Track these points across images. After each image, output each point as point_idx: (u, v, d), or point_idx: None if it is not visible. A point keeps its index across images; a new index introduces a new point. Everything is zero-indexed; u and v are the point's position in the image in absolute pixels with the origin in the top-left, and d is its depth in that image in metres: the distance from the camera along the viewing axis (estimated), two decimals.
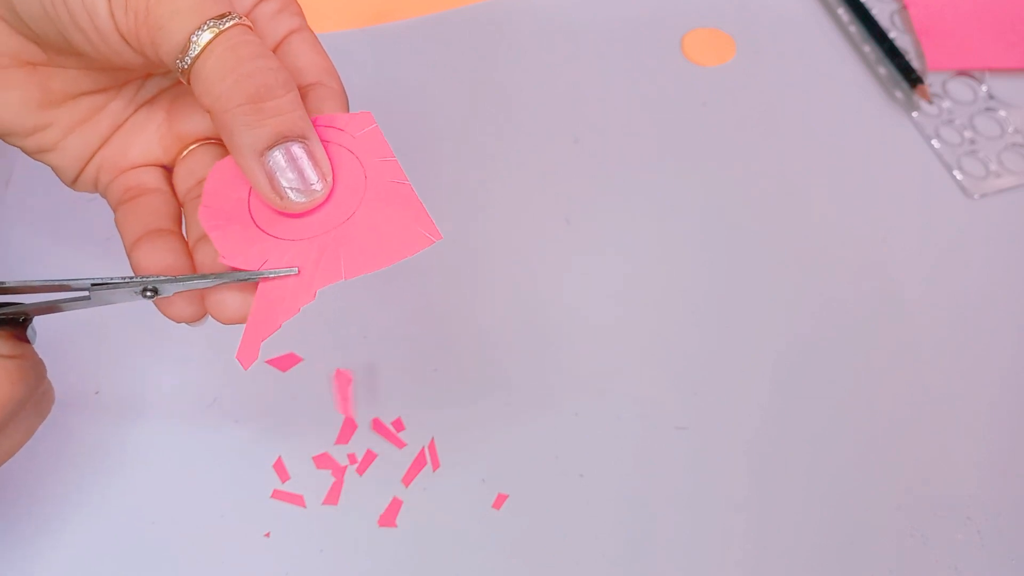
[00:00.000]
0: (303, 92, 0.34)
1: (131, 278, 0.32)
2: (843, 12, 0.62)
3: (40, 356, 0.34)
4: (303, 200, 0.31)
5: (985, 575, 0.44)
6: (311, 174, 0.31)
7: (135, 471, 0.44)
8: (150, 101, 0.36)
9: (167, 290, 0.32)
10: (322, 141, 0.32)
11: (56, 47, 0.33)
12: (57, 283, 0.32)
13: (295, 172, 0.31)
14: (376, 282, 0.50)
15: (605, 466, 0.45)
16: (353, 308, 0.49)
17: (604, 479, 0.45)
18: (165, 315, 0.33)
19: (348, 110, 0.35)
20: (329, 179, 0.32)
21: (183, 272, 0.33)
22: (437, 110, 0.56)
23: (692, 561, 0.43)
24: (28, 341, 0.34)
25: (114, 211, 0.35)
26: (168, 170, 0.36)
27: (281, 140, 0.31)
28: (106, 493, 0.43)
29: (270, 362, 0.47)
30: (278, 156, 0.31)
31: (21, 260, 0.49)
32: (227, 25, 0.30)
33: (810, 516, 0.45)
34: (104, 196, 0.36)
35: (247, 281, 0.32)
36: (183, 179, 0.36)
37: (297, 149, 0.31)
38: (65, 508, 0.42)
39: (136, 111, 0.36)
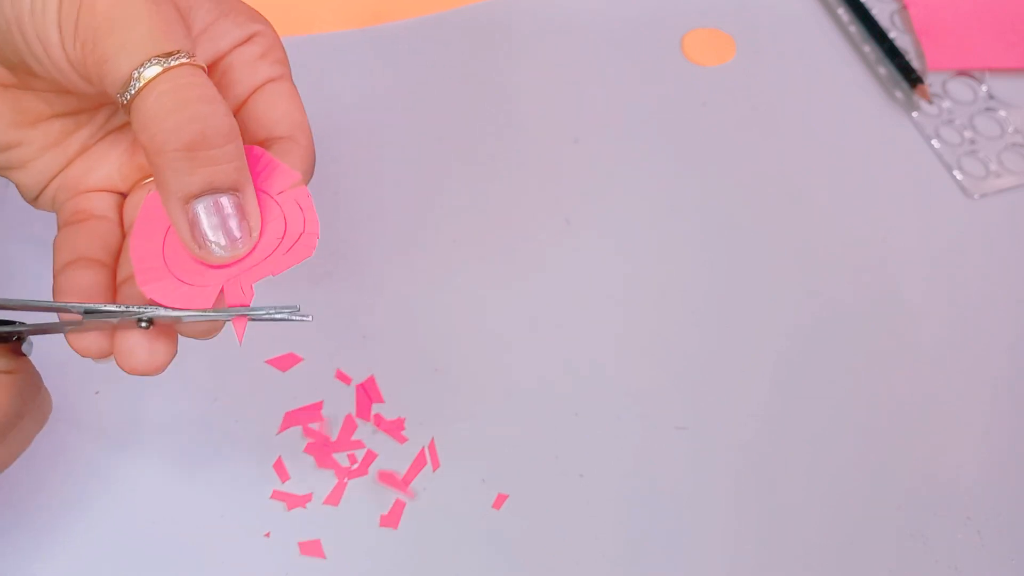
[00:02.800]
0: (267, 144, 0.34)
1: (127, 307, 0.31)
2: (843, 12, 0.62)
3: (37, 368, 0.34)
4: (224, 255, 0.31)
5: (985, 575, 0.44)
6: (235, 229, 0.30)
7: (135, 471, 0.44)
8: (119, 128, 0.36)
9: (161, 321, 0.31)
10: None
11: (23, 70, 0.32)
12: (53, 305, 0.32)
13: (220, 226, 0.30)
14: (376, 282, 0.50)
15: (605, 466, 0.45)
16: (353, 308, 0.49)
17: (604, 479, 0.45)
18: (72, 346, 0.32)
19: (312, 168, 0.34)
20: (255, 234, 0.31)
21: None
22: (436, 110, 0.56)
23: (692, 561, 0.43)
24: (25, 355, 0.34)
25: (58, 230, 0.35)
26: (124, 197, 0.36)
27: (210, 191, 0.30)
28: (106, 493, 0.43)
29: (270, 362, 0.47)
30: (204, 206, 0.30)
31: (20, 265, 0.49)
32: (174, 64, 0.29)
33: (810, 516, 0.45)
34: (56, 214, 0.36)
35: (242, 316, 0.31)
36: (132, 209, 0.35)
37: (226, 201, 0.30)
38: (65, 507, 0.42)
39: (104, 136, 0.36)
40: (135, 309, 0.31)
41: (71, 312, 0.32)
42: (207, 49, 0.34)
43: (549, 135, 0.56)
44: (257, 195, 0.31)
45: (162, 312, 0.31)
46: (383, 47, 0.59)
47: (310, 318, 0.31)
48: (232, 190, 0.30)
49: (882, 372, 0.49)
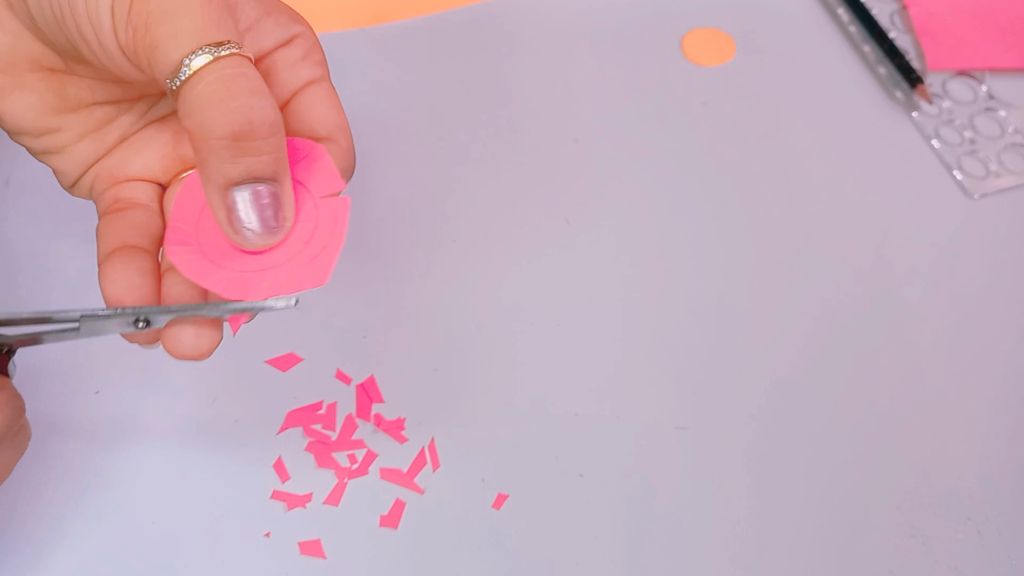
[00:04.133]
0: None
1: (123, 309, 0.31)
2: (843, 12, 0.62)
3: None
4: (258, 241, 0.31)
5: (985, 575, 0.44)
6: (271, 218, 0.31)
7: (135, 471, 0.44)
8: (161, 119, 0.36)
9: (159, 321, 0.32)
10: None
11: (71, 56, 0.33)
12: (44, 315, 0.32)
13: (256, 213, 0.31)
14: (376, 282, 0.50)
15: (605, 466, 0.45)
16: (353, 308, 0.49)
17: (604, 479, 0.45)
18: (123, 335, 0.33)
19: (352, 168, 0.35)
20: (288, 224, 0.32)
21: (147, 293, 0.32)
22: (437, 110, 0.56)
23: (692, 561, 0.43)
24: (7, 375, 0.34)
25: (99, 219, 0.35)
26: (164, 188, 0.36)
27: (251, 180, 0.30)
28: (106, 493, 0.43)
29: (270, 362, 0.47)
30: (243, 195, 0.30)
31: (19, 263, 0.49)
32: (224, 53, 0.29)
33: (810, 516, 0.45)
34: (95, 203, 0.36)
35: (236, 313, 0.31)
36: (172, 200, 0.35)
37: (263, 190, 0.31)
38: (65, 508, 0.42)
39: (145, 127, 0.36)
40: (131, 310, 0.31)
41: (68, 319, 0.32)
42: (251, 46, 0.34)
43: (549, 135, 0.56)
44: (298, 190, 0.32)
45: (155, 311, 0.31)
46: (383, 47, 0.59)
47: (295, 302, 0.31)
48: (271, 180, 0.31)
49: (882, 372, 0.49)
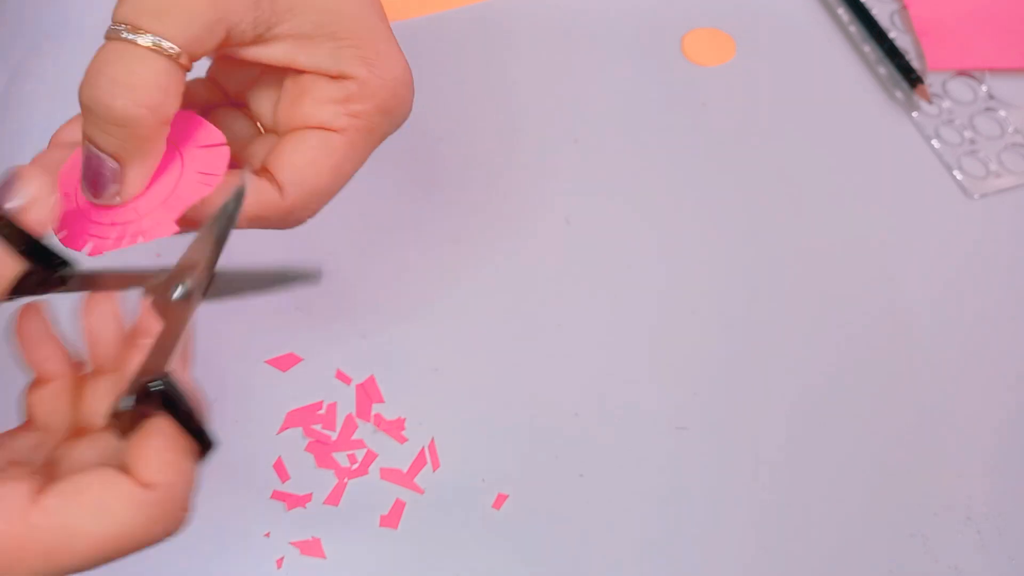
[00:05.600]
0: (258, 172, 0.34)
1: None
2: (843, 12, 0.62)
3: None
4: (92, 199, 0.32)
5: (985, 575, 0.44)
6: (99, 185, 0.32)
7: None
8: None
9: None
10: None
11: None
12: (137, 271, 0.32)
13: (91, 173, 0.32)
14: (376, 282, 0.50)
15: (605, 466, 0.45)
16: (352, 308, 0.49)
17: (604, 479, 0.45)
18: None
19: (288, 224, 0.34)
20: (118, 200, 0.32)
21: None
22: (437, 110, 0.56)
23: (692, 561, 0.43)
24: (185, 457, 0.27)
25: None
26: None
27: (95, 146, 0.31)
28: None
29: (270, 362, 0.47)
30: (89, 151, 0.31)
31: None
32: (128, 38, 0.30)
33: (810, 516, 0.45)
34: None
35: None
36: None
37: (103, 159, 0.31)
38: None
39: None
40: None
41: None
42: (281, 51, 0.33)
43: (549, 135, 0.56)
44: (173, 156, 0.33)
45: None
46: None
47: (319, 275, 0.32)
48: (113, 158, 0.31)
49: (881, 371, 0.49)
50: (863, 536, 0.44)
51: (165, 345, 0.28)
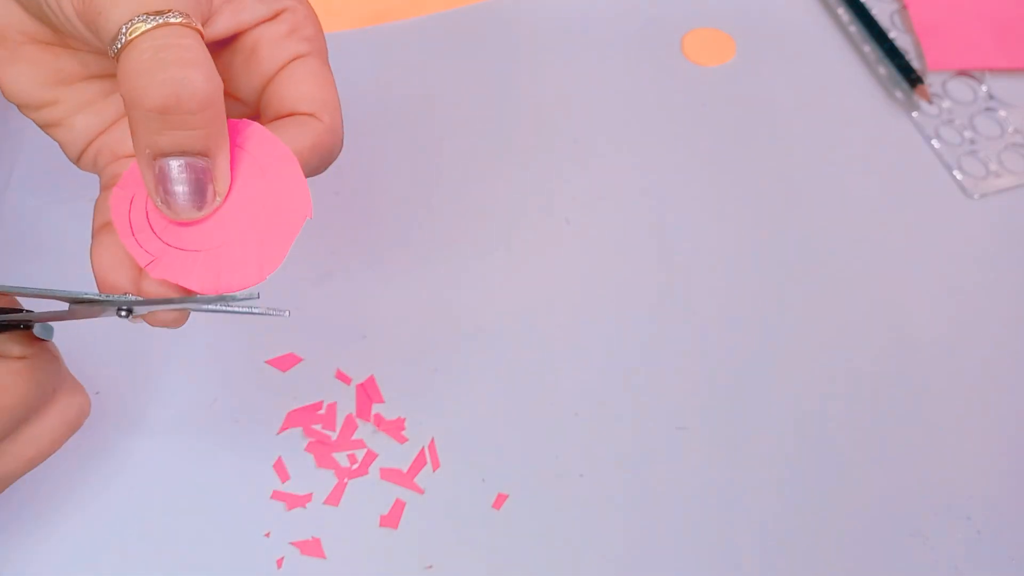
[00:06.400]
0: (285, 121, 0.33)
1: (109, 297, 0.32)
2: (843, 12, 0.62)
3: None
4: (186, 214, 0.31)
5: (985, 575, 0.44)
6: (197, 193, 0.31)
7: (135, 471, 0.44)
8: None
9: (140, 310, 0.32)
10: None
11: (49, 25, 0.33)
12: (40, 292, 0.32)
13: (185, 186, 0.31)
14: (375, 281, 0.50)
15: (605, 466, 0.45)
16: (352, 308, 0.49)
17: (604, 479, 0.45)
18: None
19: (333, 148, 0.34)
20: (218, 199, 0.32)
21: (131, 271, 0.32)
22: (437, 110, 0.56)
23: (692, 561, 0.43)
24: (43, 340, 0.33)
25: (99, 192, 0.35)
26: None
27: (178, 153, 0.30)
28: (106, 493, 0.43)
29: (270, 362, 0.47)
30: (171, 164, 0.30)
31: (18, 261, 0.49)
32: (159, 21, 0.29)
33: (810, 516, 0.45)
34: (99, 177, 0.36)
35: (211, 306, 0.31)
36: None
37: (193, 162, 0.30)
38: (65, 508, 0.42)
39: None
40: (115, 299, 0.32)
41: (59, 298, 0.32)
42: (228, 20, 0.33)
43: (549, 135, 0.56)
44: (245, 164, 0.32)
45: (139, 301, 0.31)
46: (383, 47, 0.59)
47: (287, 313, 0.31)
48: (201, 154, 0.30)
49: (880, 371, 0.49)
50: (863, 536, 0.44)
51: None
